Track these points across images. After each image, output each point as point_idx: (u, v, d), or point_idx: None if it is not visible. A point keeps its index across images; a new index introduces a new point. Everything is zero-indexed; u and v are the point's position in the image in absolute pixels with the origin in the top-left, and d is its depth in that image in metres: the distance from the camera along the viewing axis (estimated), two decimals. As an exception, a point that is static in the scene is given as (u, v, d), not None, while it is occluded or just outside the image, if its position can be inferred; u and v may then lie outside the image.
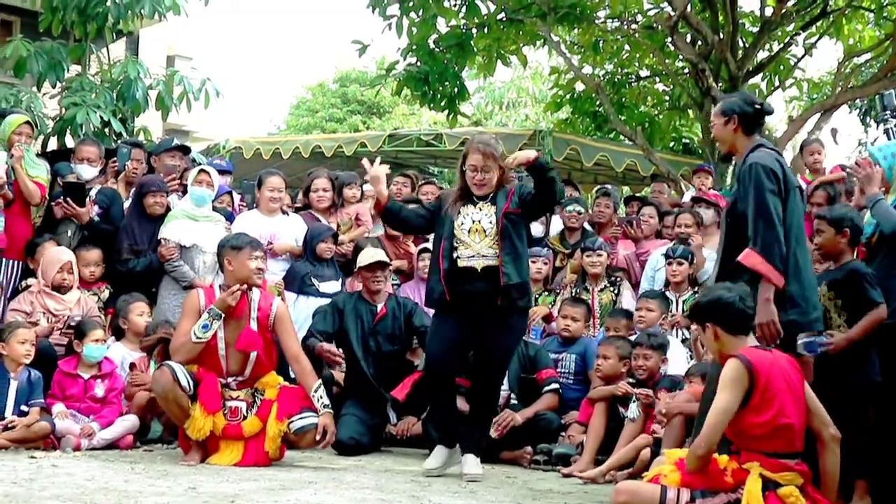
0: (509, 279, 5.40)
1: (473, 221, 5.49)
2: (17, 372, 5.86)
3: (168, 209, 7.28)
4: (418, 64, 13.52)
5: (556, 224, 8.62)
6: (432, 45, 13.44)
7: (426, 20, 13.01)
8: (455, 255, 5.45)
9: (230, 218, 7.66)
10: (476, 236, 5.46)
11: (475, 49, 13.57)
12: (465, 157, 5.56)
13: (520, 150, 12.33)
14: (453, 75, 13.69)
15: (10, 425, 5.69)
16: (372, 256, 6.80)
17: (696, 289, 7.06)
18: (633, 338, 6.41)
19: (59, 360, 6.30)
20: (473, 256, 5.43)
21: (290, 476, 5.20)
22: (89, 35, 9.69)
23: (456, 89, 13.85)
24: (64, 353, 6.38)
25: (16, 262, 7.03)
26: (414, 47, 13.35)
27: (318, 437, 5.58)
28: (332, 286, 7.39)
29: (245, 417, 5.61)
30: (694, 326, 4.74)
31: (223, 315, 5.58)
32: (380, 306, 6.73)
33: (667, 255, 7.23)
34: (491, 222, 5.46)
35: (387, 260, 6.97)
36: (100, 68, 10.14)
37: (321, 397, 5.63)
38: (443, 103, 13.77)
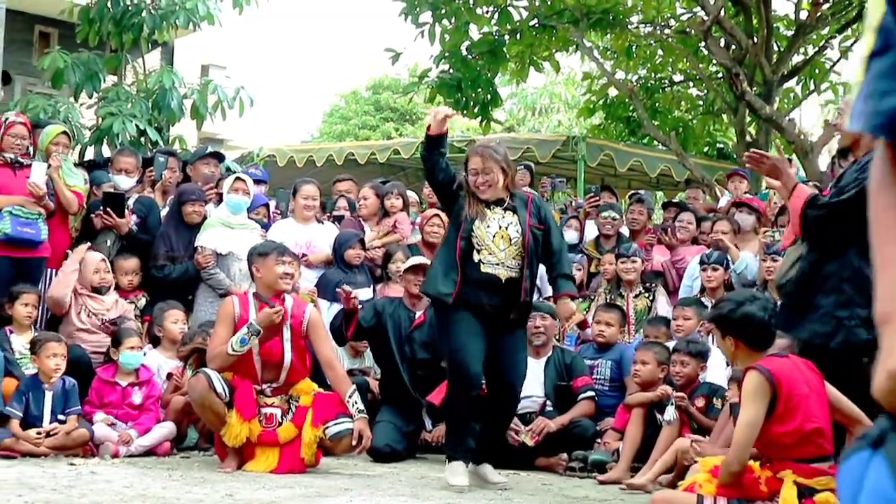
0: (528, 295, 5.35)
1: (500, 227, 5.31)
2: (52, 382, 5.92)
3: (205, 217, 7.34)
4: (451, 71, 13.55)
5: (592, 230, 8.61)
6: (465, 52, 13.48)
7: (459, 27, 13.04)
8: (477, 258, 5.26)
9: (266, 228, 7.71)
10: (501, 243, 5.28)
11: (508, 55, 13.60)
12: (466, 164, 5.41)
13: (553, 155, 12.54)
14: (486, 82, 13.72)
15: (51, 433, 5.75)
16: (415, 259, 6.83)
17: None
18: (670, 344, 6.39)
19: (97, 367, 6.37)
20: (498, 265, 5.27)
21: (326, 483, 5.21)
22: (125, 46, 9.81)
23: (488, 96, 13.87)
24: (102, 360, 6.45)
25: (55, 271, 7.12)
26: (447, 54, 13.39)
27: (353, 443, 5.59)
28: (364, 293, 7.41)
29: (280, 424, 5.63)
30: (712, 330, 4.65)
31: (261, 332, 5.61)
32: (419, 313, 6.72)
33: (701, 261, 7.20)
34: (518, 232, 5.31)
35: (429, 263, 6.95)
36: (135, 78, 10.25)
37: (356, 402, 5.65)
38: (475, 110, 13.79)
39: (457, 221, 5.34)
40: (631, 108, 14.63)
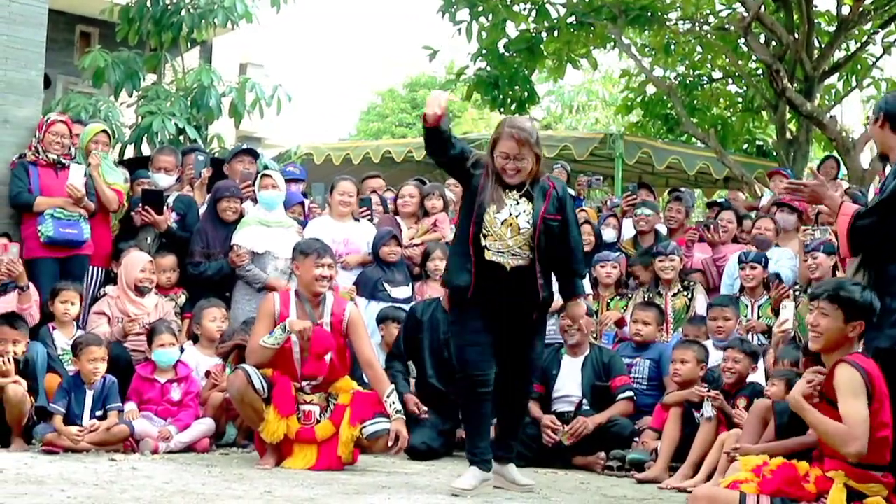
0: (545, 291, 5.05)
1: (511, 215, 4.94)
2: (92, 382, 5.98)
3: (241, 215, 7.36)
4: (488, 68, 13.52)
5: (629, 228, 8.57)
6: (502, 50, 13.44)
7: (496, 24, 13.02)
8: (483, 243, 4.93)
9: (303, 225, 7.73)
10: (508, 231, 4.92)
11: (545, 53, 13.55)
12: (496, 143, 4.97)
13: (590, 153, 12.47)
14: (523, 79, 13.68)
15: (91, 429, 5.81)
16: None
17: (769, 294, 6.95)
18: (706, 343, 6.35)
19: (137, 364, 6.43)
20: (504, 252, 4.93)
21: (364, 480, 5.22)
22: (164, 44, 9.87)
23: (526, 93, 13.83)
24: (143, 358, 6.51)
25: (98, 269, 7.19)
26: (484, 52, 13.37)
27: (389, 444, 5.59)
28: (402, 291, 7.43)
29: (318, 421, 5.64)
30: (810, 307, 4.43)
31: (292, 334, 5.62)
32: None
33: (739, 260, 7.15)
34: (528, 222, 4.94)
35: None
36: (174, 77, 10.31)
37: (393, 403, 5.64)
38: (513, 107, 13.75)
39: (470, 204, 5.01)
40: (669, 105, 14.54)
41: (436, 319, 6.68)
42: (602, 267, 7.67)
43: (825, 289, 4.22)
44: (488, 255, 4.90)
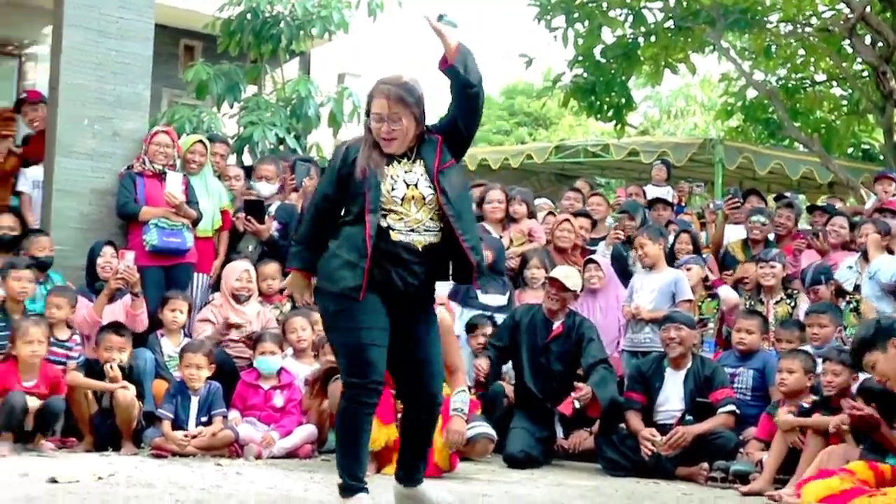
0: (477, 254, 4.12)
1: (408, 185, 4.08)
2: (197, 389, 6.11)
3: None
4: (584, 75, 13.45)
5: (733, 231, 8.42)
6: (598, 56, 13.36)
7: (592, 30, 12.94)
8: (385, 224, 4.01)
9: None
10: (412, 206, 4.06)
11: (642, 58, 13.42)
12: (369, 103, 4.15)
13: (689, 159, 12.30)
14: (620, 85, 13.58)
15: (197, 434, 5.95)
16: (565, 275, 6.70)
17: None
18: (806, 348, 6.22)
19: (241, 371, 6.55)
20: (413, 231, 4.04)
21: (464, 488, 5.21)
22: (264, 56, 10.06)
23: (623, 99, 13.73)
24: (248, 364, 6.64)
25: (203, 276, 7.36)
26: (580, 58, 13.30)
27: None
28: (496, 299, 7.41)
29: (414, 430, 5.65)
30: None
31: None
32: (556, 324, 6.66)
33: (759, 259, 7.22)
34: (430, 186, 4.08)
35: (571, 287, 6.68)
36: (274, 88, 10.50)
37: (459, 401, 5.61)
38: (609, 113, 13.66)
39: (355, 199, 4.10)
40: (770, 109, 14.27)
41: (534, 325, 6.66)
42: (688, 269, 7.48)
43: None
44: (395, 237, 4.02)
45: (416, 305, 4.15)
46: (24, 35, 11.84)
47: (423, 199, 4.06)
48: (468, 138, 4.23)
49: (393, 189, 4.05)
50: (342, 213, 4.15)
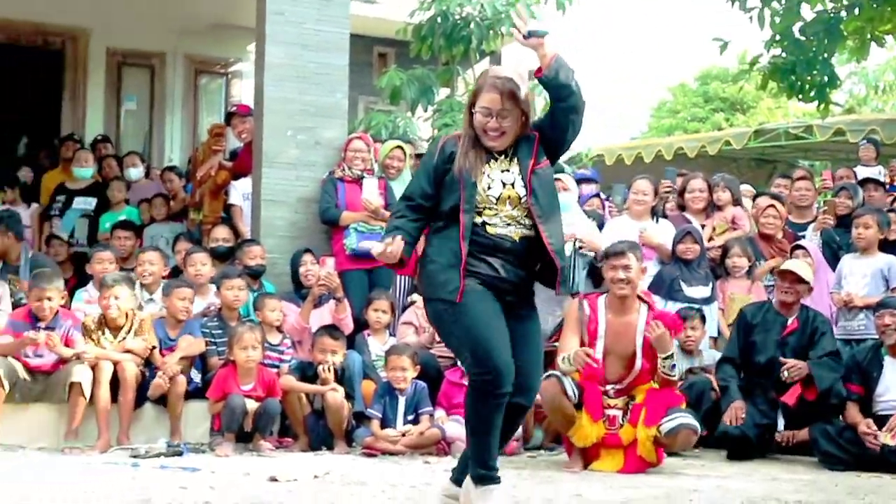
0: (562, 260, 4.04)
1: (504, 185, 4.00)
2: (403, 388, 6.25)
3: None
4: (783, 55, 12.95)
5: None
6: (797, 34, 12.84)
7: (790, 8, 12.42)
8: (480, 220, 3.96)
9: (601, 221, 7.73)
10: (507, 205, 3.98)
11: (845, 32, 12.80)
12: (476, 96, 4.04)
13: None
14: (822, 63, 12.99)
15: (406, 433, 6.09)
16: (798, 267, 6.56)
17: None
18: None
19: (446, 370, 6.65)
20: (510, 224, 3.98)
21: (673, 483, 5.13)
22: (455, 58, 10.18)
23: (825, 77, 13.10)
24: (452, 364, 6.73)
25: (406, 278, 7.50)
26: (778, 38, 12.82)
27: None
28: (700, 291, 7.23)
29: (621, 426, 5.62)
30: None
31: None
32: (791, 319, 6.49)
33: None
34: (524, 186, 4.00)
35: (806, 279, 6.51)
36: (466, 89, 10.61)
37: (667, 366, 5.59)
38: (812, 93, 13.09)
39: (450, 196, 4.06)
40: None
41: (768, 321, 6.52)
42: None
43: None
44: (490, 230, 3.96)
45: (518, 300, 4.05)
46: (229, 53, 12.40)
47: (519, 199, 3.99)
48: (562, 146, 4.15)
49: (489, 188, 3.99)
50: (435, 215, 4.08)
